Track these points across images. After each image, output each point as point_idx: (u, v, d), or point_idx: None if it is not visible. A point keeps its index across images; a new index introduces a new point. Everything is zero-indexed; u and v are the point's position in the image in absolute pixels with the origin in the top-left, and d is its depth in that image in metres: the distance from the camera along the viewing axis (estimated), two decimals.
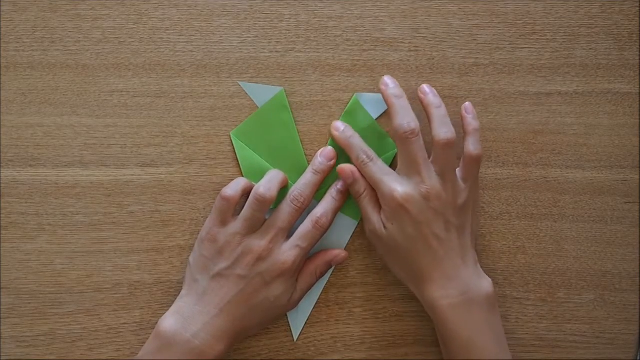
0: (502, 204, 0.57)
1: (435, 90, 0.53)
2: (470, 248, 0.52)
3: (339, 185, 0.54)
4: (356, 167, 0.53)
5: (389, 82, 0.54)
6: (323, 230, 0.53)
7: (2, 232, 0.56)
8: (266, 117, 0.56)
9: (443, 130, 0.51)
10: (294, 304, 0.54)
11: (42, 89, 0.56)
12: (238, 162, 0.56)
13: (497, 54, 0.57)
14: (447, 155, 0.51)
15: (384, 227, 0.52)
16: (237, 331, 0.51)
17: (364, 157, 0.52)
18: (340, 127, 0.54)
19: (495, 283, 0.56)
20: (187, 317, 0.51)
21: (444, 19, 0.56)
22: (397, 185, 0.50)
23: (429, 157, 0.51)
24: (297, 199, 0.52)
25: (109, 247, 0.56)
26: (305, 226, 0.53)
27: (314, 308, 0.56)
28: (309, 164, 0.55)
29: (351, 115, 0.56)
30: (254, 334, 0.55)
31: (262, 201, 0.51)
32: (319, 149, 0.55)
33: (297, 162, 0.56)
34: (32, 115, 0.56)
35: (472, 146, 0.52)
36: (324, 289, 0.56)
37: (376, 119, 0.56)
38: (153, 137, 0.56)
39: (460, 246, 0.51)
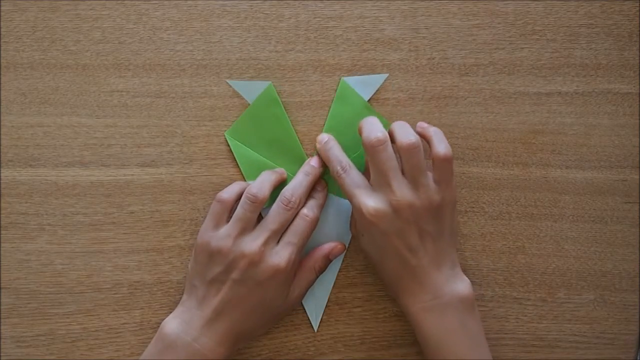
0: (502, 204, 0.57)
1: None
2: (447, 251, 0.52)
3: (318, 187, 0.55)
4: (333, 178, 0.53)
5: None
6: (311, 222, 0.52)
7: (2, 232, 0.56)
8: (258, 113, 0.56)
9: (405, 136, 0.51)
10: (294, 303, 0.54)
11: (42, 89, 0.56)
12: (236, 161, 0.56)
13: (497, 54, 0.57)
14: (413, 159, 0.50)
15: (359, 235, 0.53)
16: (236, 334, 0.51)
17: (339, 168, 0.52)
18: (323, 139, 0.54)
19: (495, 283, 0.56)
20: (188, 321, 0.51)
21: (444, 19, 0.56)
22: (366, 200, 0.50)
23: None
24: (288, 200, 0.52)
25: (109, 247, 0.56)
26: (294, 223, 0.52)
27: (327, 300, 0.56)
28: (307, 156, 0.56)
29: (342, 99, 0.56)
30: (256, 336, 0.55)
31: (253, 201, 0.51)
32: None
33: (294, 154, 0.56)
34: (32, 115, 0.56)
35: (438, 147, 0.51)
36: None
37: (367, 100, 0.56)
38: (153, 137, 0.56)
39: (435, 252, 0.51)
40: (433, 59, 0.57)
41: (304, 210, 0.53)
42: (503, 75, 0.57)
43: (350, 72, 0.56)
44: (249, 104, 0.56)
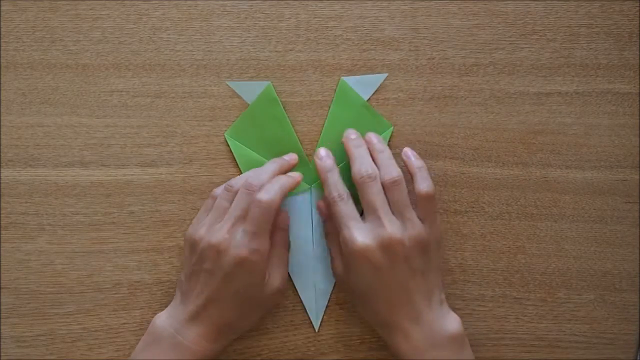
0: (502, 204, 0.57)
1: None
2: (435, 288, 0.52)
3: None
4: (327, 201, 0.53)
5: (351, 133, 0.54)
6: (266, 207, 0.50)
7: (2, 232, 0.56)
8: (257, 113, 0.56)
9: (388, 171, 0.51)
10: (277, 288, 0.52)
11: (42, 89, 0.56)
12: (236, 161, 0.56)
13: (497, 54, 0.57)
14: (395, 194, 0.51)
15: (345, 272, 0.52)
16: (219, 327, 0.51)
17: (335, 194, 0.52)
18: (322, 154, 0.54)
19: (495, 283, 0.56)
20: (173, 314, 0.51)
21: (444, 19, 0.56)
22: (358, 234, 0.50)
23: None
24: (250, 184, 0.51)
25: (109, 247, 0.56)
26: (250, 209, 0.50)
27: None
28: (307, 156, 0.56)
29: (342, 99, 0.56)
30: (245, 328, 0.54)
31: (229, 190, 0.52)
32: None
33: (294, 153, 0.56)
34: (32, 115, 0.56)
35: (420, 184, 0.52)
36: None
37: (367, 100, 0.56)
38: (153, 137, 0.56)
39: (425, 289, 0.51)
40: (433, 59, 0.57)
41: (258, 195, 0.50)
42: (503, 75, 0.57)
43: (351, 72, 0.56)
44: (248, 105, 0.56)
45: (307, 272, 0.56)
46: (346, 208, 0.51)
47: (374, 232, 0.50)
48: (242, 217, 0.50)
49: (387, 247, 0.50)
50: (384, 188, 0.51)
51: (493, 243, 0.57)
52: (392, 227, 0.50)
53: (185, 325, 0.51)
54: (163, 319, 0.52)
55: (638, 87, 0.57)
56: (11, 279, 0.56)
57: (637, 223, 0.57)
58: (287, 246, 0.55)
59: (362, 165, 0.52)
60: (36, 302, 0.56)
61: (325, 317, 0.56)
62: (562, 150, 0.57)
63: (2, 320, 0.55)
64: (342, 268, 0.53)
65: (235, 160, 0.56)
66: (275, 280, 0.52)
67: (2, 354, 0.55)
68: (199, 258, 0.51)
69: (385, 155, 0.53)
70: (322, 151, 0.54)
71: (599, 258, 0.57)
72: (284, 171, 0.54)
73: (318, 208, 0.55)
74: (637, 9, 0.57)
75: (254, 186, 0.50)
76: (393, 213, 0.51)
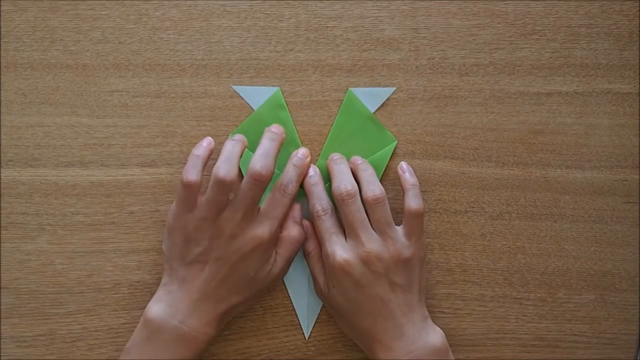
0: (502, 204, 0.57)
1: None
2: (417, 304, 0.52)
3: (299, 154, 0.54)
4: (311, 215, 0.53)
5: (334, 155, 0.55)
6: (290, 196, 0.52)
7: (2, 232, 0.56)
8: (264, 118, 0.56)
9: (370, 189, 0.52)
10: (278, 276, 0.53)
11: (42, 89, 0.56)
12: None
13: (497, 54, 0.57)
14: (377, 212, 0.51)
15: (327, 288, 0.52)
16: (223, 312, 0.51)
17: (319, 208, 0.53)
18: (309, 172, 0.54)
19: (495, 283, 0.56)
20: (172, 304, 0.51)
21: (444, 19, 0.56)
22: (339, 249, 0.51)
23: None
24: (259, 174, 0.50)
25: (109, 247, 0.56)
26: (273, 196, 0.52)
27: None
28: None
29: (348, 110, 0.56)
30: (241, 311, 0.54)
31: (222, 185, 0.50)
32: (318, 150, 0.56)
33: None
34: (32, 115, 0.56)
35: (411, 201, 0.52)
36: None
37: (373, 112, 0.56)
38: (153, 137, 0.56)
39: (406, 304, 0.51)
40: (433, 59, 0.57)
41: (284, 183, 0.52)
42: (503, 75, 0.57)
43: (351, 72, 0.56)
44: (249, 105, 0.56)
45: (302, 281, 0.56)
46: (330, 223, 0.52)
47: (353, 249, 0.51)
48: (254, 206, 0.51)
49: (366, 262, 0.50)
50: (366, 205, 0.52)
51: (493, 243, 0.57)
52: (370, 244, 0.51)
53: (187, 314, 0.50)
54: (159, 310, 0.50)
55: (638, 87, 0.57)
56: (11, 279, 0.56)
57: (637, 223, 0.57)
58: (300, 243, 0.54)
59: (341, 182, 0.52)
60: (36, 302, 0.56)
61: (325, 317, 0.56)
62: (562, 150, 0.57)
63: (2, 320, 0.55)
64: (325, 286, 0.53)
65: None
66: (280, 268, 0.53)
67: (2, 354, 0.55)
68: (206, 248, 0.50)
69: (368, 172, 0.53)
70: (311, 169, 0.55)
71: (599, 258, 0.57)
72: (280, 146, 0.53)
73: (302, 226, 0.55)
74: (637, 9, 0.57)
75: (263, 177, 0.50)
76: (375, 230, 0.51)
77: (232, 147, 0.51)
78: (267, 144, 0.52)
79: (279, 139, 0.52)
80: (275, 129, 0.53)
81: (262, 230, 0.51)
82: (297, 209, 0.54)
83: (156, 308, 0.51)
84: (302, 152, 0.55)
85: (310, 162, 0.55)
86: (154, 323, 0.50)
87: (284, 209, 0.52)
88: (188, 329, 0.50)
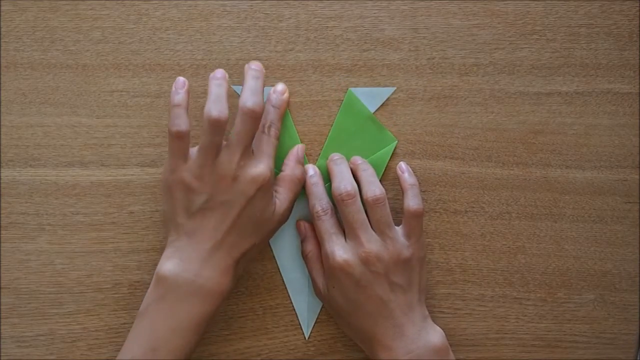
0: (502, 204, 0.57)
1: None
2: (417, 304, 0.52)
3: (277, 89, 0.55)
4: (310, 215, 0.53)
5: (334, 155, 0.55)
6: (275, 137, 0.53)
7: (2, 232, 0.56)
8: None
9: (371, 190, 0.52)
10: (283, 215, 0.53)
11: (42, 89, 0.56)
12: None
13: (497, 54, 0.57)
14: (377, 213, 0.51)
15: (327, 289, 0.52)
16: (236, 260, 0.50)
17: (319, 208, 0.53)
18: (309, 171, 0.55)
19: (495, 283, 0.56)
20: (185, 258, 0.49)
21: (444, 19, 0.56)
22: (338, 249, 0.51)
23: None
24: (252, 111, 0.50)
25: (109, 247, 0.56)
26: (261, 137, 0.52)
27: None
28: (309, 162, 0.56)
29: (349, 110, 0.56)
30: (253, 259, 0.54)
31: (217, 125, 0.49)
32: (318, 150, 0.56)
33: None
34: (32, 115, 0.56)
35: (410, 201, 0.52)
36: None
37: (373, 113, 0.56)
38: (153, 137, 0.56)
39: (406, 304, 0.51)
40: (433, 59, 0.57)
41: (267, 123, 0.53)
42: (503, 75, 0.57)
43: (350, 72, 0.56)
44: None
45: (302, 281, 0.56)
46: (330, 223, 0.52)
47: (353, 249, 0.51)
48: (250, 144, 0.51)
49: (366, 262, 0.50)
50: (366, 206, 0.52)
51: (493, 243, 0.57)
52: (370, 245, 0.51)
53: (202, 265, 0.49)
54: (172, 267, 0.49)
55: (638, 87, 0.57)
56: (11, 279, 0.56)
57: (637, 223, 0.57)
58: (301, 183, 0.54)
59: (340, 182, 0.52)
60: (36, 302, 0.56)
61: (325, 317, 0.56)
62: (562, 150, 0.57)
63: (2, 320, 0.55)
64: (324, 287, 0.53)
65: None
66: (284, 208, 0.52)
67: (2, 354, 0.55)
68: (211, 195, 0.49)
69: (368, 173, 0.53)
70: (308, 169, 0.55)
71: (599, 258, 0.57)
72: (263, 81, 0.53)
73: (298, 226, 0.55)
74: (637, 9, 0.57)
75: (256, 113, 0.50)
76: (375, 230, 0.51)
77: (217, 87, 0.51)
78: (252, 83, 0.52)
79: (262, 75, 0.53)
80: (255, 65, 0.53)
81: (262, 167, 0.50)
82: (300, 149, 0.55)
83: (169, 264, 0.49)
84: (280, 87, 0.55)
85: (289, 97, 0.55)
86: (168, 280, 0.49)
87: (274, 148, 0.53)
88: (204, 280, 0.49)
